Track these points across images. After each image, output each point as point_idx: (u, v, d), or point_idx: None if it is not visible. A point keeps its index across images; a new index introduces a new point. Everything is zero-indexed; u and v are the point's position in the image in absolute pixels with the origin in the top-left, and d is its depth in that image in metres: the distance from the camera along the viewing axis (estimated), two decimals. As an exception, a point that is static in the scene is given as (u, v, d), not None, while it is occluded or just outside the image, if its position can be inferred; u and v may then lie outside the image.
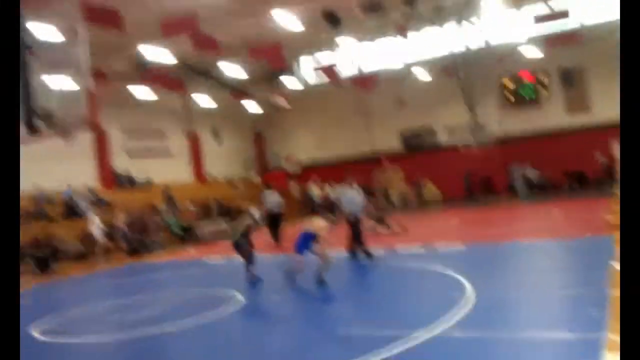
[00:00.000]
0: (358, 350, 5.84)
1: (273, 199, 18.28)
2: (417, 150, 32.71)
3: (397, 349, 5.72)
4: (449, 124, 30.79)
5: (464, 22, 24.32)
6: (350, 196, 12.20)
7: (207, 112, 32.16)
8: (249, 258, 10.96)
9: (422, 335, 6.08)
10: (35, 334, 8.39)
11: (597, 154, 26.30)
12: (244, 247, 10.98)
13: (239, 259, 11.19)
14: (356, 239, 12.27)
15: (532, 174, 29.12)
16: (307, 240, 9.97)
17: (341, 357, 5.80)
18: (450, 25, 25.37)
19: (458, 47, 27.18)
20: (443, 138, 31.93)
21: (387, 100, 32.84)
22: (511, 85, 30.65)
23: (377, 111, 33.90)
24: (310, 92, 32.36)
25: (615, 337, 5.27)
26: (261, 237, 19.52)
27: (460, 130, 29.08)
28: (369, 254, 12.22)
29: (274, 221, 17.97)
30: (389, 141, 33.61)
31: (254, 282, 10.79)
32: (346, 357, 5.74)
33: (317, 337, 7.04)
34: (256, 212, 11.61)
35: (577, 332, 5.74)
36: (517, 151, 29.56)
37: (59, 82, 6.98)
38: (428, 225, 19.78)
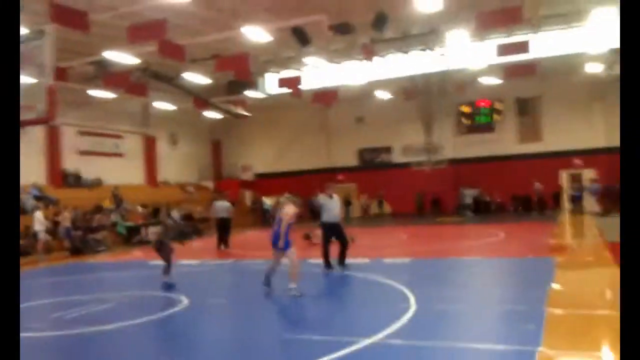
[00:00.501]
0: (297, 355, 5.86)
1: (222, 205, 18.55)
2: (373, 166, 33.14)
3: (334, 354, 5.75)
4: (406, 143, 31.36)
5: (428, 50, 24.92)
6: (331, 206, 11.99)
7: (166, 116, 31.76)
8: (169, 260, 10.77)
9: (361, 342, 6.13)
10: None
11: (536, 183, 27.30)
12: (166, 247, 10.79)
13: (173, 262, 11.05)
14: (326, 247, 12.15)
15: (480, 196, 29.92)
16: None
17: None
18: (415, 52, 25.96)
19: (420, 71, 27.81)
20: (399, 156, 32.47)
21: (347, 117, 33.29)
22: (468, 111, 31.49)
23: (337, 127, 34.29)
24: (271, 105, 32.41)
25: (548, 351, 5.46)
26: (211, 243, 19.46)
27: (415, 150, 29.69)
28: (329, 265, 12.18)
29: (222, 227, 18.23)
30: (346, 157, 33.95)
31: (169, 286, 10.56)
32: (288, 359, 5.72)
33: (258, 339, 6.99)
34: (176, 214, 11.58)
35: (512, 344, 5.90)
36: (468, 174, 30.35)
37: (22, 78, 6.91)
38: (377, 238, 19.99)
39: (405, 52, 26.13)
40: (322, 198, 12.14)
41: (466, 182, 30.14)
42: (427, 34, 23.46)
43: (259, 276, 10.47)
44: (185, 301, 9.23)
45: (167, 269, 10.71)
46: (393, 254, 14.38)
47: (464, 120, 31.60)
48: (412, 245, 17.79)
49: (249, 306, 9.42)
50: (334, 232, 12.00)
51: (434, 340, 6.23)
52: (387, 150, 33.46)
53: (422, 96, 28.66)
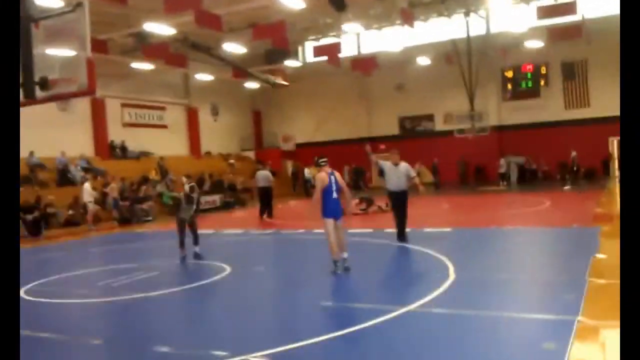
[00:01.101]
0: (335, 322, 5.98)
1: (264, 174, 19.00)
2: (415, 135, 32.76)
3: (372, 321, 5.82)
4: (448, 111, 30.78)
5: (470, 13, 24.26)
6: (397, 175, 11.21)
7: (206, 87, 32.05)
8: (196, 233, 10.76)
9: (399, 309, 6.19)
10: (23, 295, 8.47)
11: (573, 152, 26.41)
12: (195, 220, 10.80)
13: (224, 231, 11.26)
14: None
15: (526, 164, 29.25)
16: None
17: (323, 327, 5.89)
18: (456, 15, 25.29)
19: (461, 35, 27.13)
20: (441, 124, 31.96)
21: (387, 85, 32.87)
22: (512, 76, 30.62)
23: (377, 95, 33.95)
24: (310, 74, 32.30)
25: (588, 321, 5.39)
26: (254, 212, 19.76)
27: (458, 117, 29.12)
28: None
29: (264, 196, 18.55)
30: (387, 126, 33.63)
31: (198, 255, 10.60)
32: (327, 326, 5.83)
33: (297, 307, 7.14)
34: (186, 184, 11.16)
35: (551, 314, 5.85)
36: (513, 141, 29.67)
37: (61, 51, 7.07)
38: (418, 207, 19.87)
39: (446, 16, 25.51)
40: (387, 166, 11.40)
41: (511, 149, 29.48)
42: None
43: (300, 245, 10.67)
44: (227, 269, 9.46)
45: (197, 240, 10.79)
46: (434, 223, 14.30)
47: (508, 86, 30.76)
48: (454, 214, 17.65)
49: (289, 274, 9.60)
50: (400, 200, 11.38)
51: (472, 309, 6.22)
52: (429, 118, 32.98)
53: (464, 61, 27.96)
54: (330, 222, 8.37)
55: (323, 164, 8.62)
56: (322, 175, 8.42)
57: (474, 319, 5.91)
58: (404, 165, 11.33)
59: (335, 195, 8.39)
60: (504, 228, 13.35)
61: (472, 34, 27.52)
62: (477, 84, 28.53)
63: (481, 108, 28.96)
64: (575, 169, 26.61)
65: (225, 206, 24.98)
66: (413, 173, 11.52)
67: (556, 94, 29.49)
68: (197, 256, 10.55)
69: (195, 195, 10.75)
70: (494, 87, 30.68)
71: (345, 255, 8.47)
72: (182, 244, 10.57)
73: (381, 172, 11.83)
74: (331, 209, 8.37)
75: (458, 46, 27.56)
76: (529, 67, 29.90)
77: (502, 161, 28.93)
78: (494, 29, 28.20)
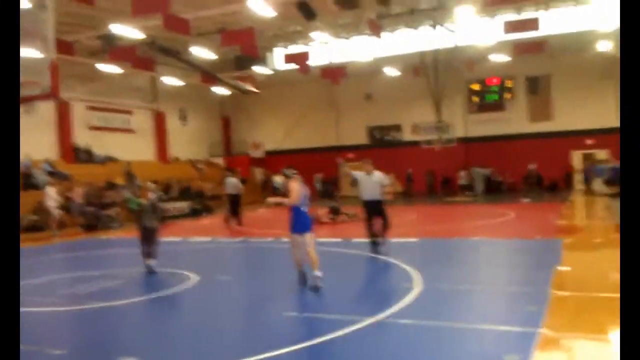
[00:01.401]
0: (300, 332, 6.00)
1: (232, 182, 19.04)
2: (384, 145, 33.06)
3: (337, 332, 5.86)
4: (415, 121, 31.19)
5: (437, 25, 24.64)
6: (369, 183, 11.19)
7: (175, 92, 31.77)
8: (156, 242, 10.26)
9: (365, 320, 6.24)
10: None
11: (530, 165, 27.29)
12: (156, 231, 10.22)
13: (193, 238, 11.14)
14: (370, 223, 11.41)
15: (492, 175, 29.84)
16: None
17: (288, 338, 5.90)
18: (423, 27, 25.67)
19: (428, 47, 27.56)
20: (408, 134, 32.35)
21: (356, 94, 33.14)
22: (478, 89, 31.21)
23: (346, 104, 34.18)
24: (280, 81, 32.31)
25: (550, 333, 5.54)
26: (222, 220, 19.64)
27: (425, 128, 29.55)
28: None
29: (233, 203, 18.68)
30: (356, 135, 33.87)
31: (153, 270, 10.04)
32: (293, 338, 5.84)
33: (263, 317, 7.12)
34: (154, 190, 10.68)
35: (514, 325, 5.99)
36: (479, 153, 30.23)
37: (25, 52, 6.94)
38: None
39: (414, 28, 25.88)
40: (360, 175, 11.37)
41: (477, 161, 30.03)
42: (435, 9, 23.20)
43: (268, 254, 10.63)
44: (194, 278, 9.39)
45: (155, 253, 10.22)
46: (401, 233, 14.41)
47: (474, 98, 31.34)
48: (421, 224, 17.86)
49: (256, 284, 9.58)
50: (375, 210, 11.25)
51: (437, 320, 6.32)
52: (397, 128, 33.33)
53: (431, 73, 28.43)
54: (297, 238, 8.14)
55: (293, 175, 8.31)
56: (296, 187, 8.09)
57: (439, 330, 6.01)
58: (377, 174, 11.31)
59: (305, 209, 8.18)
60: (470, 239, 13.59)
61: (439, 46, 27.99)
62: (443, 95, 29.03)
63: (448, 119, 29.46)
64: (535, 180, 27.32)
65: (193, 213, 24.75)
66: (387, 181, 11.50)
67: (521, 107, 30.20)
68: (150, 270, 9.99)
69: (159, 204, 10.46)
70: (461, 99, 31.24)
71: (318, 273, 8.04)
72: (146, 254, 10.13)
73: (354, 182, 11.79)
74: (302, 223, 8.10)
75: (425, 58, 28.00)
76: (495, 80, 30.54)
77: (462, 173, 29.61)
78: (460, 42, 28.73)
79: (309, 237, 8.13)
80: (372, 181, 11.20)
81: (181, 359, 5.43)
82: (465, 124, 31.23)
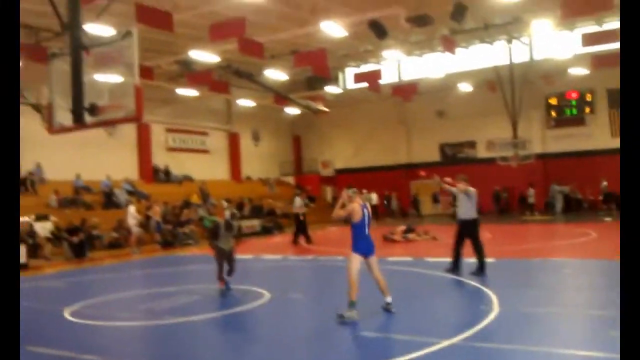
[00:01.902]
0: (375, 352, 5.89)
1: (299, 201, 19.27)
2: (456, 162, 32.43)
3: (413, 354, 5.71)
4: (490, 138, 30.39)
5: (512, 40, 24.05)
6: (466, 200, 10.51)
7: (248, 113, 32.61)
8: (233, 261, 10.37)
9: (441, 342, 6.06)
10: (67, 316, 8.68)
11: (603, 182, 25.91)
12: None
13: (266, 256, 11.24)
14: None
15: (571, 193, 28.54)
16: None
17: (362, 358, 5.81)
18: (498, 42, 25.14)
19: (504, 62, 26.92)
20: (483, 151, 31.56)
21: (428, 111, 32.77)
22: (556, 103, 30.09)
23: (417, 122, 33.86)
24: (350, 100, 32.50)
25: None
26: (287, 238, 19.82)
27: (501, 144, 28.71)
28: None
29: (300, 222, 18.86)
30: (427, 152, 33.42)
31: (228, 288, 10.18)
32: (367, 358, 5.75)
33: (337, 336, 7.06)
34: (227, 209, 10.50)
35: (596, 351, 5.64)
36: (558, 169, 29.02)
37: (110, 77, 7.36)
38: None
39: (488, 43, 25.37)
40: (455, 191, 10.63)
41: (556, 178, 28.84)
42: (510, 23, 22.65)
43: (338, 272, 10.48)
44: (267, 295, 9.47)
45: (232, 271, 10.37)
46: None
47: (553, 113, 30.21)
48: (497, 244, 17.26)
49: (328, 302, 9.52)
50: (469, 230, 10.52)
51: (516, 344, 6.04)
52: (471, 145, 32.63)
53: (507, 88, 27.68)
54: (357, 258, 7.56)
55: (353, 194, 7.87)
56: (356, 207, 7.64)
57: (516, 354, 5.75)
58: (473, 191, 10.54)
59: (367, 230, 7.67)
60: (549, 259, 12.98)
61: (515, 60, 27.27)
62: (520, 111, 28.15)
63: (525, 135, 28.51)
64: (612, 198, 25.92)
65: (265, 231, 25.13)
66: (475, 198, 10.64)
67: (602, 122, 28.79)
68: (226, 287, 10.17)
69: (234, 222, 10.68)
70: (538, 114, 30.20)
71: (389, 299, 7.72)
72: (221, 276, 10.23)
73: (454, 199, 11.32)
74: (363, 245, 7.58)
75: (501, 73, 27.34)
76: (574, 94, 29.35)
77: (531, 191, 28.49)
78: (537, 56, 27.86)
79: (372, 259, 7.71)
80: (471, 198, 10.49)
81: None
82: (543, 140, 30.14)
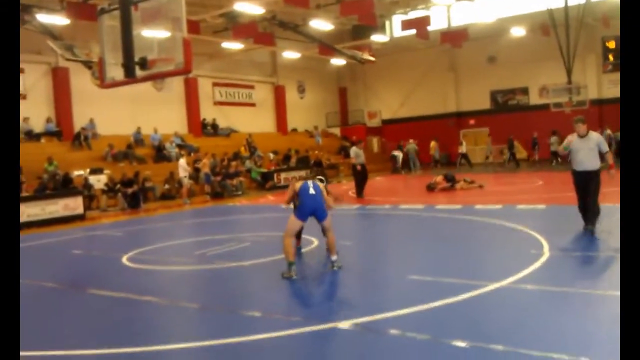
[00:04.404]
0: (422, 294, 5.94)
1: (362, 152, 18.05)
2: (508, 109, 31.56)
3: (461, 295, 5.73)
4: (543, 83, 29.31)
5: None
6: (582, 149, 8.73)
7: (293, 65, 32.42)
8: None
9: (490, 285, 6.05)
10: (125, 262, 9.08)
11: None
12: None
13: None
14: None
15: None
16: None
17: (410, 299, 5.86)
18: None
19: (558, 4, 25.64)
20: (536, 98, 30.53)
21: (478, 58, 31.77)
22: (614, 46, 28.57)
23: (467, 69, 32.93)
24: (397, 48, 31.79)
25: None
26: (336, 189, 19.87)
27: (554, 90, 27.64)
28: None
29: (358, 174, 17.91)
30: (477, 100, 32.60)
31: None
32: (414, 299, 5.80)
33: (386, 279, 7.14)
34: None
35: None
36: (614, 116, 27.82)
37: (158, 32, 7.42)
38: (510, 184, 19.21)
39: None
40: (571, 140, 8.88)
41: (612, 124, 27.70)
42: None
43: (386, 220, 10.54)
44: (315, 242, 9.61)
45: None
46: (527, 200, 13.79)
47: (610, 57, 28.71)
48: (549, 191, 16.88)
49: (376, 248, 9.63)
50: (587, 184, 8.75)
51: (566, 287, 5.97)
52: (523, 91, 31.58)
53: (562, 31, 26.41)
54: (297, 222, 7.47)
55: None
56: (295, 186, 7.72)
57: (568, 296, 5.70)
58: (595, 135, 8.72)
59: (309, 200, 7.44)
60: (602, 205, 12.59)
61: (570, 2, 25.90)
62: (575, 55, 26.89)
63: (579, 81, 27.32)
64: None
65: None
66: (606, 147, 8.76)
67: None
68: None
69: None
70: (594, 58, 28.83)
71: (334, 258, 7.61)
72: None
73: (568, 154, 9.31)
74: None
75: (555, 15, 26.06)
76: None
77: (553, 139, 27.32)
78: (594, -4, 26.41)
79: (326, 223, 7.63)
80: (587, 146, 8.64)
81: (301, 315, 5.59)
82: (599, 85, 28.86)
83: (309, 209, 7.39)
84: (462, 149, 30.28)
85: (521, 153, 30.06)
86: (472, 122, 33.02)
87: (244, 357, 4.62)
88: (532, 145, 29.32)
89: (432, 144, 30.72)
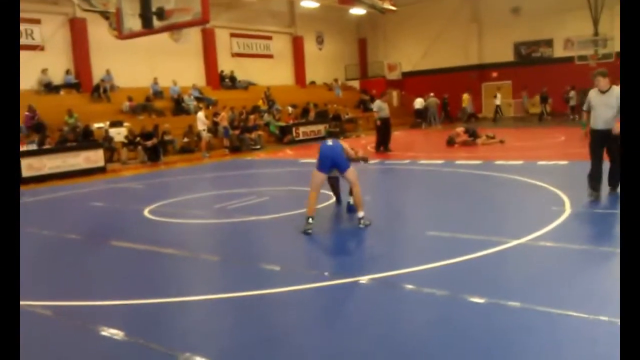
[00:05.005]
0: (442, 250, 5.95)
1: (386, 106, 17.83)
2: (531, 62, 30.79)
3: (480, 252, 5.72)
4: (569, 35, 28.46)
5: None
6: (602, 104, 7.89)
7: (312, 16, 31.80)
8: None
9: (510, 242, 6.03)
10: (146, 214, 9.21)
11: None
12: None
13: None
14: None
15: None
16: None
17: (429, 256, 5.88)
18: None
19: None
20: (560, 50, 29.71)
21: (502, 8, 30.86)
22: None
23: (490, 20, 32.04)
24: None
25: None
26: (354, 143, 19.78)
27: (580, 42, 26.85)
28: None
29: (380, 129, 17.73)
30: (500, 52, 31.84)
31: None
32: (432, 256, 5.82)
33: (404, 235, 7.16)
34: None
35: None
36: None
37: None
38: (532, 139, 18.94)
39: None
40: (592, 94, 8.11)
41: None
42: None
43: (406, 175, 10.47)
44: (333, 197, 9.61)
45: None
46: (549, 156, 13.60)
47: None
48: (571, 147, 16.62)
49: (395, 204, 9.62)
50: (607, 145, 8.05)
51: (586, 244, 5.94)
52: (547, 43, 30.73)
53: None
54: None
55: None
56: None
57: (588, 254, 5.67)
58: (617, 91, 7.75)
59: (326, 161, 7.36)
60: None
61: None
62: (603, 5, 25.96)
63: (607, 32, 26.45)
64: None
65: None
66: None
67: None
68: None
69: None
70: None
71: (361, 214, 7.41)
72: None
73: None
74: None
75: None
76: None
77: (572, 93, 26.64)
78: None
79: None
80: (609, 102, 7.78)
81: (320, 269, 5.64)
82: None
83: (327, 159, 7.38)
84: (497, 101, 29.77)
85: (537, 108, 29.49)
86: (494, 74, 32.36)
87: (263, 309, 4.70)
88: (540, 100, 28.69)
89: (465, 96, 30.11)
